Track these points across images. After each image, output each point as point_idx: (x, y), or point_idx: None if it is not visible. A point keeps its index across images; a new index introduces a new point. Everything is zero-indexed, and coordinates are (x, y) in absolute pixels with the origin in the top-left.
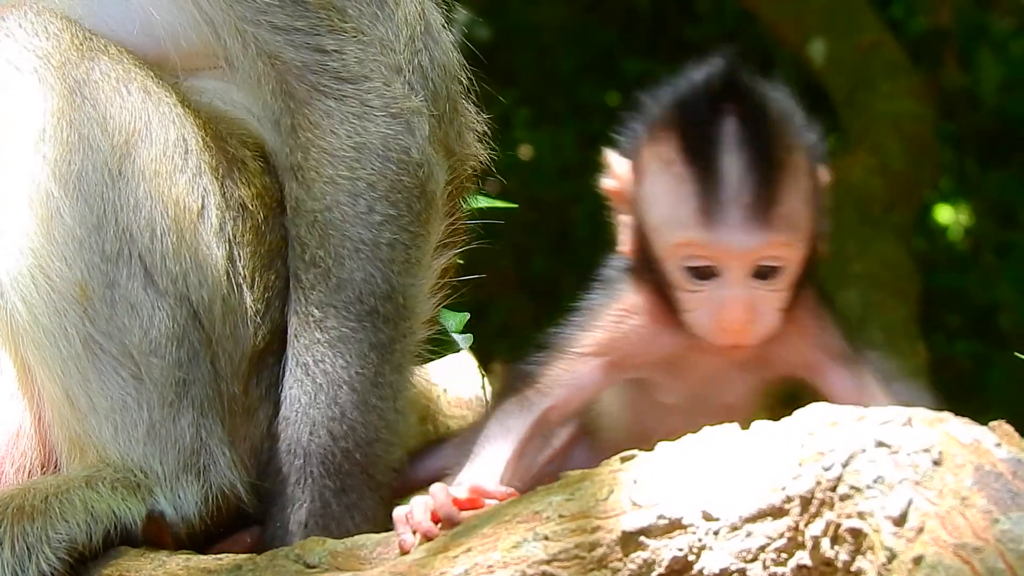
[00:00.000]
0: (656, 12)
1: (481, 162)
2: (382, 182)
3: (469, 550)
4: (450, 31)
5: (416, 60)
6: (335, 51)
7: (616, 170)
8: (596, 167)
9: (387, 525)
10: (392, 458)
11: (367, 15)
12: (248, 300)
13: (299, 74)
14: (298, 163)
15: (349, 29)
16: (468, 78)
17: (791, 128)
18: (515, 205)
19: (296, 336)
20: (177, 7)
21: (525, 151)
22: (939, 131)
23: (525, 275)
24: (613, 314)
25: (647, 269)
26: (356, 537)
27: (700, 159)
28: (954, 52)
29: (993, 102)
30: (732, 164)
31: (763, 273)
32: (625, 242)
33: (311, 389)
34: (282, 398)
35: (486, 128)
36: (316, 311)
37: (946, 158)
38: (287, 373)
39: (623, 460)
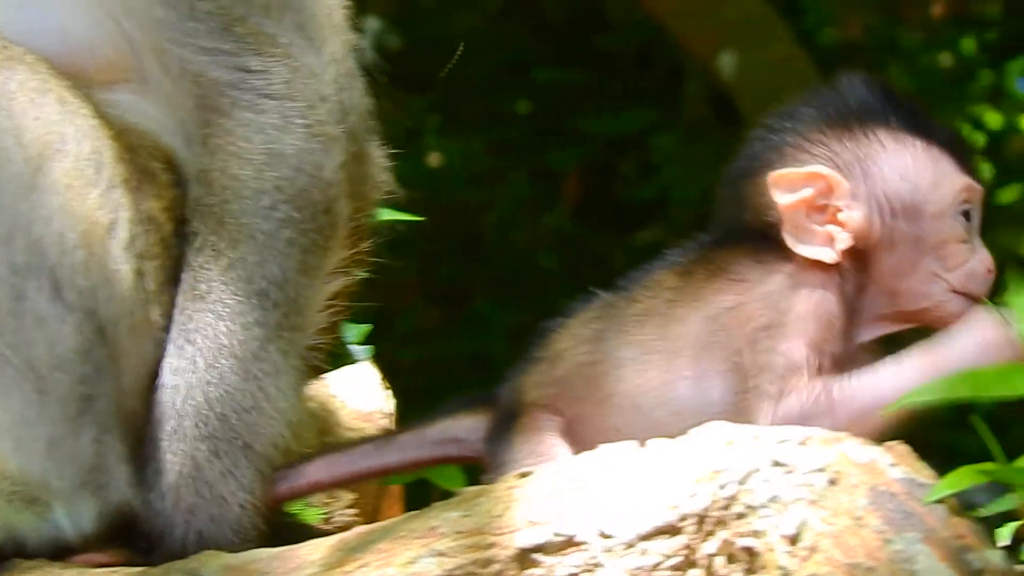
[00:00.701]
0: (568, 21)
1: (387, 180)
2: (290, 188)
3: (364, 565)
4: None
5: (339, 96)
6: (261, 71)
7: (806, 179)
8: (507, 175)
9: (266, 501)
10: (272, 432)
11: (296, 44)
12: (154, 316)
13: (222, 90)
14: (204, 166)
15: (278, 54)
16: (378, 91)
17: None
18: (422, 218)
19: (180, 311)
20: (95, 22)
21: (435, 158)
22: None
23: (433, 283)
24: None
25: (862, 265)
26: (251, 551)
27: (925, 128)
28: (864, 65)
29: None
30: (942, 129)
31: None
32: (842, 242)
33: (191, 353)
34: (161, 368)
35: (390, 152)
36: (203, 286)
37: None
38: (168, 346)
39: (520, 476)
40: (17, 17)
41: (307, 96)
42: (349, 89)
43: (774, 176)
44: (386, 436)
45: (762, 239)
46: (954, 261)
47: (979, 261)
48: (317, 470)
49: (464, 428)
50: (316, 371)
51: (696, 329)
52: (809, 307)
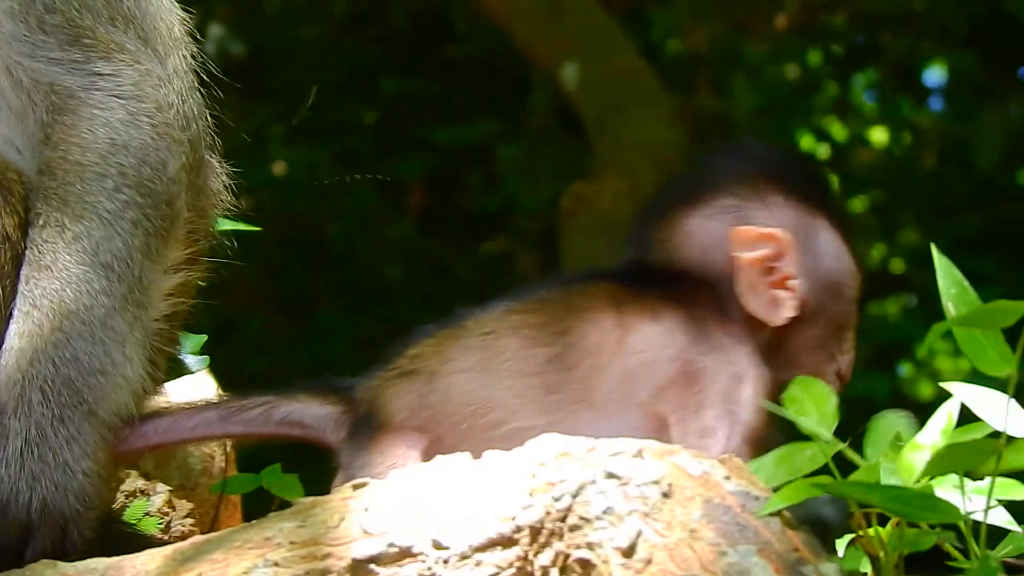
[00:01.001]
0: (414, 31)
1: (232, 185)
2: (134, 175)
3: (199, 575)
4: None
5: (183, 106)
6: (111, 74)
7: (766, 239)
8: (352, 185)
9: (110, 467)
10: (117, 399)
11: (144, 55)
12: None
13: (73, 93)
14: (47, 159)
15: (127, 59)
16: (223, 99)
17: None
18: (258, 228)
19: (25, 281)
20: None
21: (279, 167)
22: (692, 156)
23: (278, 292)
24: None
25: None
26: (87, 561)
27: (843, 213)
28: (708, 77)
29: (747, 128)
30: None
31: None
32: (789, 308)
33: (37, 318)
34: (7, 334)
35: (229, 176)
36: (48, 256)
37: None
38: (14, 313)
39: (355, 487)
40: None
41: (155, 99)
42: (191, 102)
43: (739, 230)
44: (232, 405)
45: (674, 282)
46: (847, 346)
47: (852, 350)
48: (158, 430)
49: (311, 415)
50: (162, 356)
51: (609, 372)
52: (753, 375)
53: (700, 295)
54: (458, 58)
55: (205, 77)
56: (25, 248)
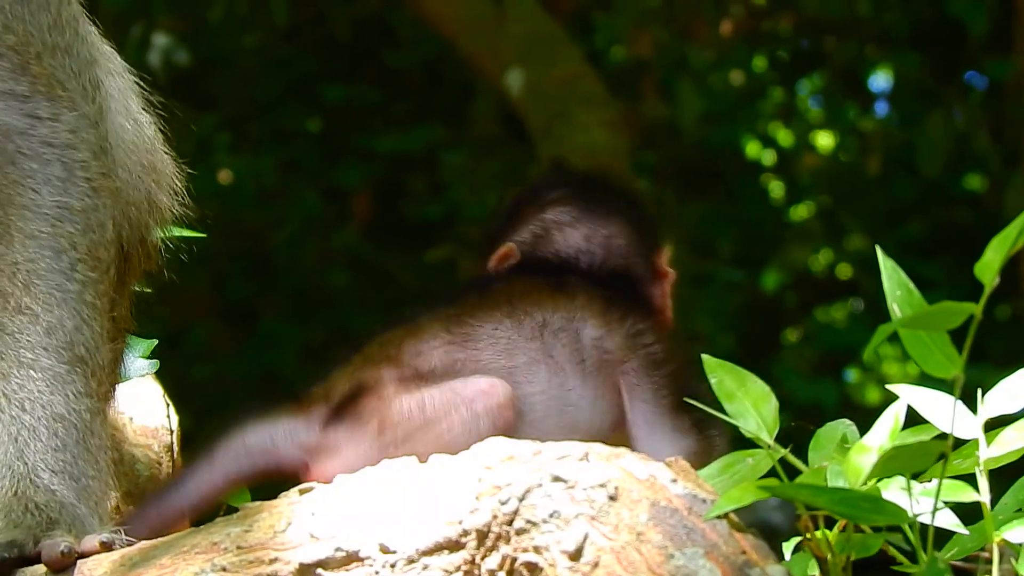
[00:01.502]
0: (356, 39)
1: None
2: (82, 245)
3: None
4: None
5: (111, 141)
6: (49, 119)
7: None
8: (296, 192)
9: None
10: (105, 504)
11: (78, 91)
12: None
13: (7, 137)
14: None
15: (65, 99)
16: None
17: None
18: (204, 234)
19: (5, 378)
20: None
21: (225, 176)
22: (638, 162)
23: (223, 300)
24: None
25: None
26: (32, 567)
27: None
28: (654, 84)
29: (693, 134)
30: None
31: None
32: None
33: (31, 422)
34: None
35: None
36: (27, 353)
37: (645, 189)
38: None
39: (301, 492)
40: None
41: (89, 146)
42: (127, 132)
43: (667, 249)
44: (214, 456)
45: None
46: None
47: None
48: (159, 514)
49: (281, 431)
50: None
51: (568, 353)
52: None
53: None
54: (400, 66)
55: (149, 89)
56: None
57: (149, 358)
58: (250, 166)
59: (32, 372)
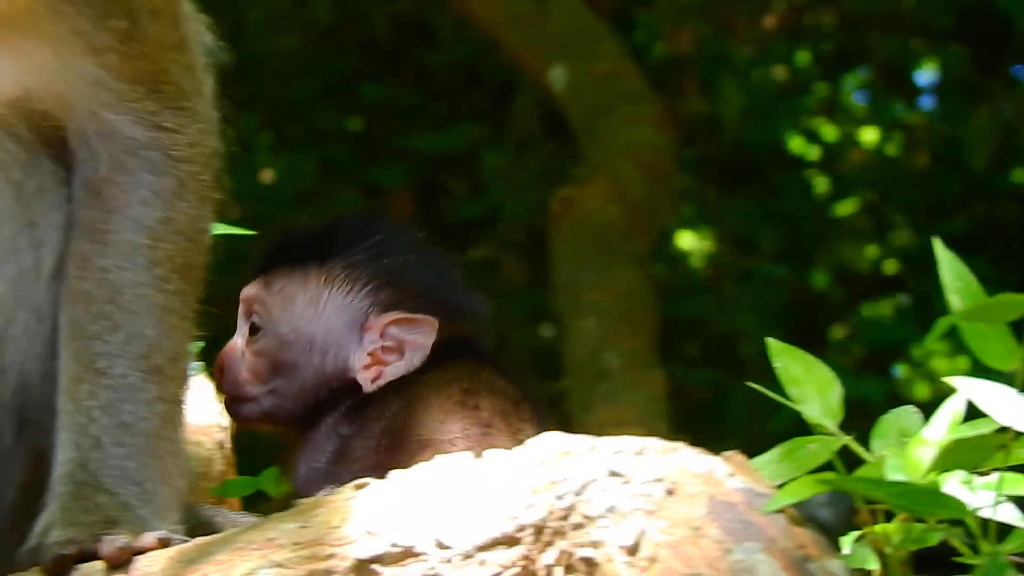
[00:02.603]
0: (395, 39)
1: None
2: (180, 258)
3: None
4: None
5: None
6: (173, 130)
7: None
8: (336, 192)
9: None
10: (172, 508)
11: (199, 103)
12: None
13: (132, 150)
14: (96, 221)
15: (188, 111)
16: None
17: None
18: (255, 232)
19: (77, 382)
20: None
21: (266, 176)
22: (680, 158)
23: None
24: None
25: None
26: (88, 565)
27: None
28: (695, 80)
29: (734, 130)
30: None
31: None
32: None
33: (94, 433)
34: (60, 440)
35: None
36: (103, 361)
37: (687, 185)
38: (64, 416)
39: (357, 488)
40: None
41: (203, 158)
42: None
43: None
44: None
45: None
46: None
47: None
48: None
49: None
50: None
51: None
52: None
53: None
54: (440, 65)
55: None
56: None
57: (197, 359)
58: (290, 166)
59: (104, 380)
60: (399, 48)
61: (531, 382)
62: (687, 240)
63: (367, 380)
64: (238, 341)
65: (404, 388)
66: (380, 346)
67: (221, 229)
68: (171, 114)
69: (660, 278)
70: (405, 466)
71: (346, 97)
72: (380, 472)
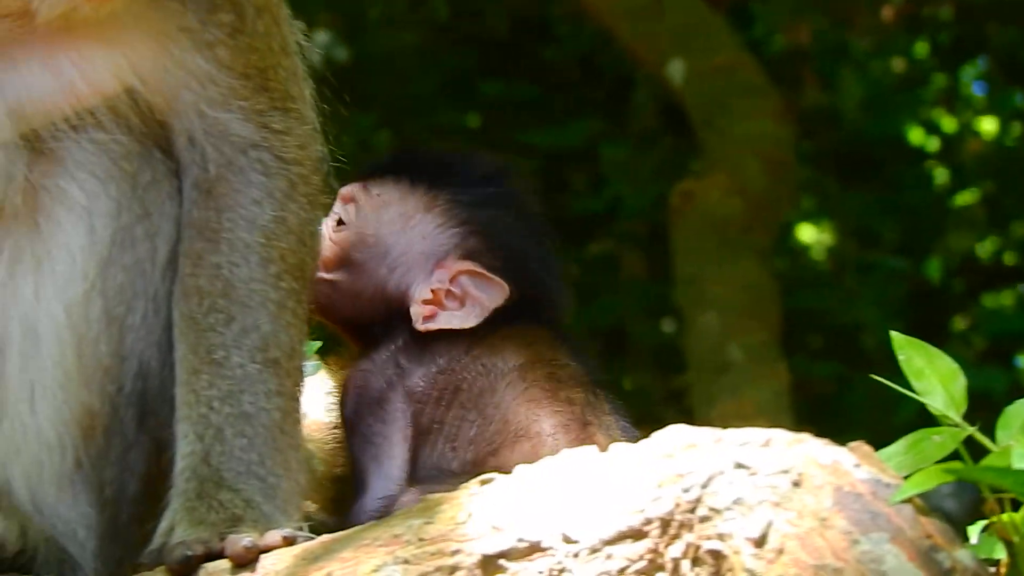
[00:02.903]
0: (513, 34)
1: None
2: (292, 258)
3: (329, 574)
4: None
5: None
6: (282, 132)
7: None
8: None
9: None
10: (295, 503)
11: (305, 107)
12: None
13: (243, 148)
14: (208, 220)
15: (295, 113)
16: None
17: None
18: None
19: (195, 373)
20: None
21: None
22: (799, 151)
23: None
24: None
25: None
26: (215, 563)
27: None
28: (813, 72)
29: (853, 122)
30: None
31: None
32: None
33: (217, 422)
34: (181, 432)
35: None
36: (219, 351)
37: (807, 178)
38: (185, 408)
39: (482, 483)
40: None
41: (312, 161)
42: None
43: None
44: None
45: None
46: None
47: None
48: None
49: None
50: None
51: None
52: None
53: None
54: (558, 60)
55: (315, 84)
56: None
57: (314, 358)
58: None
59: (222, 370)
60: (517, 44)
61: (599, 367)
62: (807, 233)
63: (419, 315)
64: (327, 224)
65: (469, 347)
66: (445, 289)
67: None
68: (279, 116)
69: (781, 271)
70: (474, 434)
71: (464, 93)
72: (436, 426)
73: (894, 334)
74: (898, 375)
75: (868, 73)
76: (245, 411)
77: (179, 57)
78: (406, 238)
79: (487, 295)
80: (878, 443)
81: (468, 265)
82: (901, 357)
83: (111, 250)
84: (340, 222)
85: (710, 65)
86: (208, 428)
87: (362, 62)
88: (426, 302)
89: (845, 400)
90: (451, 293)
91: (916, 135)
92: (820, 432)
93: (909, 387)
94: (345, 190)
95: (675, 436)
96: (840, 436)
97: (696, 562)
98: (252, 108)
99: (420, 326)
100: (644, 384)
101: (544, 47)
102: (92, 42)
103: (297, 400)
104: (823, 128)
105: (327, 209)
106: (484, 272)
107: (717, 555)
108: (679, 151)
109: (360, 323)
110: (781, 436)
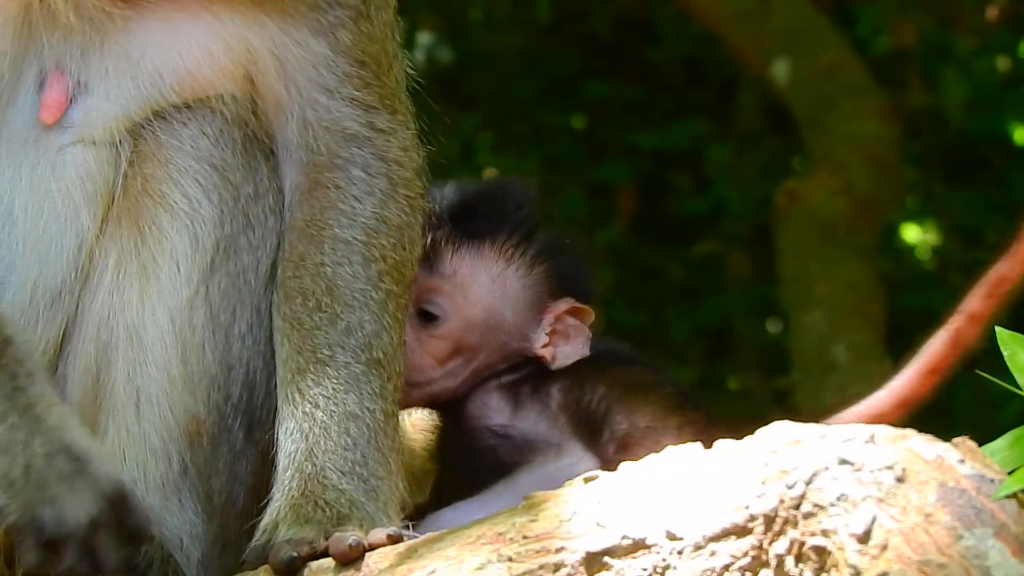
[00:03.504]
0: (617, 36)
1: None
2: (391, 259)
3: (433, 572)
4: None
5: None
6: (386, 131)
7: None
8: (561, 190)
9: None
10: (393, 506)
11: (406, 108)
12: None
13: (349, 143)
14: (311, 218)
15: (401, 116)
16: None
17: None
18: None
19: (300, 373)
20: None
21: (489, 175)
22: (904, 151)
23: None
24: None
25: None
26: (320, 561)
27: None
28: (918, 72)
29: (958, 121)
30: None
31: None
32: None
33: (323, 420)
34: (285, 429)
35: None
36: (324, 351)
37: (912, 178)
38: (289, 406)
39: (586, 481)
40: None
41: (414, 165)
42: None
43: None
44: None
45: None
46: None
47: None
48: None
49: None
50: None
51: None
52: None
53: None
54: (662, 61)
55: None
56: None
57: None
58: (514, 165)
59: (328, 369)
60: (621, 45)
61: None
62: (912, 233)
63: (551, 357)
64: (410, 325)
65: (576, 371)
66: (552, 329)
67: None
68: (387, 115)
69: (886, 271)
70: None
71: (569, 95)
72: (558, 447)
73: (999, 330)
74: (1003, 373)
75: (973, 72)
76: (350, 411)
77: (300, 38)
78: (508, 301)
79: (585, 323)
80: (982, 442)
81: (566, 303)
82: (1006, 353)
83: (215, 257)
84: (429, 316)
85: (815, 65)
86: (314, 426)
87: (465, 63)
88: (544, 346)
89: (950, 399)
90: (557, 331)
91: (1021, 134)
92: (925, 430)
93: (1015, 383)
94: (424, 284)
95: (779, 432)
96: (945, 434)
97: (800, 558)
98: (363, 102)
99: (555, 366)
100: (750, 384)
101: (649, 48)
102: (212, 18)
103: (396, 404)
104: (928, 128)
105: (424, 215)
106: (579, 305)
107: (821, 551)
108: (783, 151)
109: (470, 387)
110: (885, 432)
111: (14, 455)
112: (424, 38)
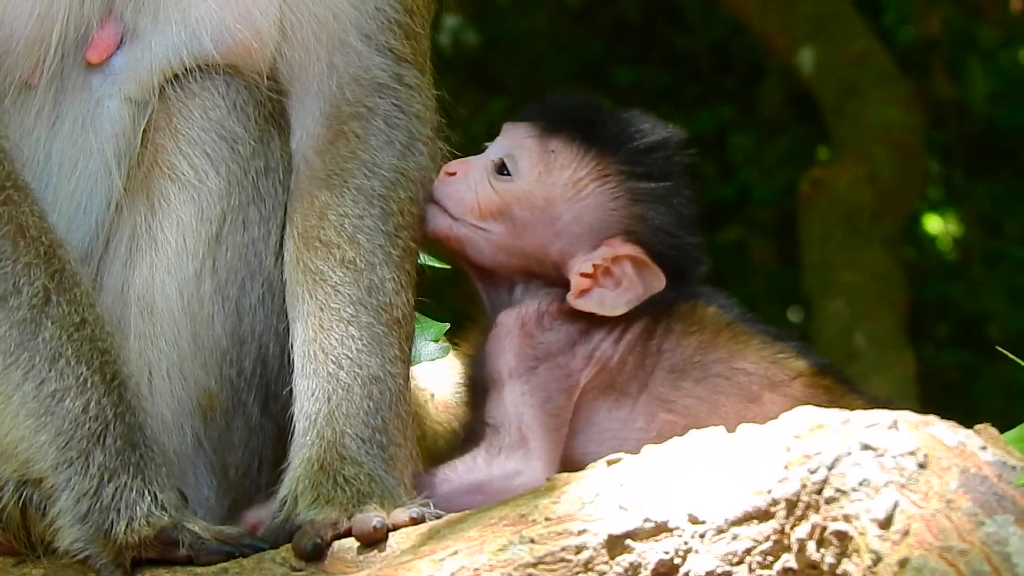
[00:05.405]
0: (645, 21)
1: None
2: (410, 213)
3: (455, 553)
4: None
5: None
6: (412, 87)
7: None
8: None
9: None
10: (408, 472)
11: (430, 77)
12: None
13: (372, 92)
14: (333, 168)
15: (427, 79)
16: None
17: None
18: None
19: (324, 328)
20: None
21: None
22: (928, 141)
23: None
24: None
25: None
26: (342, 541)
27: None
28: (943, 62)
29: (982, 112)
30: None
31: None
32: None
33: (344, 381)
34: (306, 388)
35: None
36: (349, 308)
37: (935, 168)
38: (313, 363)
39: (609, 463)
40: (228, 41)
41: (433, 125)
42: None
43: None
44: None
45: None
46: None
47: None
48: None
49: None
50: None
51: None
52: None
53: None
54: (689, 48)
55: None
56: None
57: (442, 341)
58: None
59: (352, 329)
60: (649, 31)
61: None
62: (934, 223)
63: (577, 288)
64: (485, 164)
65: (628, 331)
66: (605, 267)
67: None
68: (415, 72)
69: (908, 261)
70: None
71: (597, 80)
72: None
73: None
74: None
75: (997, 63)
76: (374, 373)
77: None
78: (578, 208)
79: (644, 284)
80: (1003, 429)
81: (635, 251)
82: None
83: (221, 228)
84: (504, 169)
85: (841, 53)
86: (337, 387)
87: (492, 46)
88: (583, 275)
89: (971, 388)
90: (609, 272)
91: None
92: (947, 418)
93: None
94: (516, 130)
95: (803, 417)
96: (967, 424)
97: (822, 543)
98: (397, 53)
99: (573, 300)
100: None
101: (677, 34)
102: None
103: (410, 368)
104: (952, 118)
105: (436, 174)
106: (648, 262)
107: (843, 536)
108: (808, 139)
109: (500, 276)
110: (908, 418)
111: None
112: (450, 21)
